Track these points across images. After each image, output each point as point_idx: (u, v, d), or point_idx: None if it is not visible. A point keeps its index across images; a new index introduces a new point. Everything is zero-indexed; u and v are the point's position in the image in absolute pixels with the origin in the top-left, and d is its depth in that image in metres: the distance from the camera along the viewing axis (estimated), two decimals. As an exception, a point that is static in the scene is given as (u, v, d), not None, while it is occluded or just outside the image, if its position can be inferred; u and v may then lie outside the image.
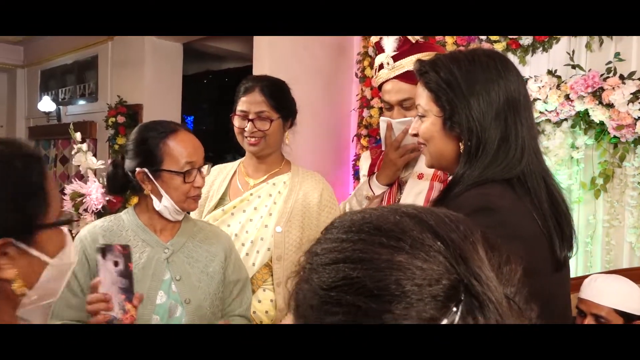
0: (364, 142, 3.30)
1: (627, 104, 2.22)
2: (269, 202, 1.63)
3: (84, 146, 2.23)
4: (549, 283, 0.95)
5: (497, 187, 0.94)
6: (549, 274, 0.95)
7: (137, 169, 1.30)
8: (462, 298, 0.43)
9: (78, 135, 2.22)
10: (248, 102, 1.60)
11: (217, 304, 1.39)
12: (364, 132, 3.32)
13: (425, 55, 1.48)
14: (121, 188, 1.39)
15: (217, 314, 1.40)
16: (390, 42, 1.48)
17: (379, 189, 1.52)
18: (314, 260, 0.49)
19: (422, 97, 1.05)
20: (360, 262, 0.45)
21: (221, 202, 1.67)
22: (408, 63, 1.45)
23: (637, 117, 2.21)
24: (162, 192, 1.30)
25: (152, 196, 1.32)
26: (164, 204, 1.31)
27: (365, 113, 3.31)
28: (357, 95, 3.43)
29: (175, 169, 1.29)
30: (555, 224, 0.95)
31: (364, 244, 0.47)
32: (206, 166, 1.37)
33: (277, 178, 1.67)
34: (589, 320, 1.66)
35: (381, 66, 1.50)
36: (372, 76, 3.20)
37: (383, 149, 1.56)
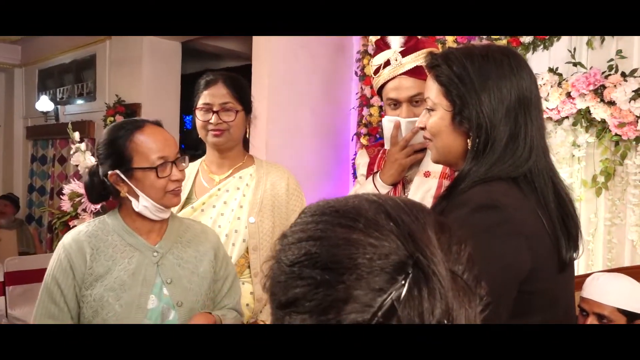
0: (364, 140, 3.29)
1: (629, 102, 2.21)
2: (238, 195, 1.65)
3: (82, 146, 2.22)
4: (553, 282, 0.94)
5: (502, 185, 0.93)
6: (553, 273, 0.94)
7: (109, 172, 1.26)
8: (410, 272, 0.47)
9: (76, 135, 2.20)
10: (211, 95, 1.61)
11: (208, 304, 1.37)
12: (363, 130, 3.30)
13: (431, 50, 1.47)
14: (100, 196, 1.35)
15: None
16: (397, 38, 1.46)
17: (383, 188, 1.50)
18: (283, 241, 0.55)
19: (432, 90, 1.03)
20: (319, 239, 0.51)
21: (188, 201, 1.67)
22: (416, 58, 1.43)
23: (639, 115, 2.20)
24: (138, 191, 1.26)
25: (130, 197, 1.28)
26: (142, 204, 1.27)
27: (365, 112, 3.30)
28: (356, 93, 3.42)
29: (147, 165, 1.25)
30: (561, 224, 0.94)
31: (325, 224, 0.52)
32: (184, 157, 1.33)
33: (243, 171, 1.69)
34: (591, 320, 1.64)
35: (387, 63, 1.48)
36: (371, 75, 3.20)
37: (387, 147, 1.54)
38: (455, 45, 2.81)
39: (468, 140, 0.99)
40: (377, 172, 1.55)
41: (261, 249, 1.61)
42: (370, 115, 3.27)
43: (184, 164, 1.33)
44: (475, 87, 0.97)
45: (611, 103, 2.26)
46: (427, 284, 0.47)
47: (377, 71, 1.52)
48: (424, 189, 1.44)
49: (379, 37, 1.54)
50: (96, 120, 4.88)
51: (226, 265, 1.45)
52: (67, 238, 1.30)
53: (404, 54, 1.46)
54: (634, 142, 2.28)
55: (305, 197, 1.78)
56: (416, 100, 1.46)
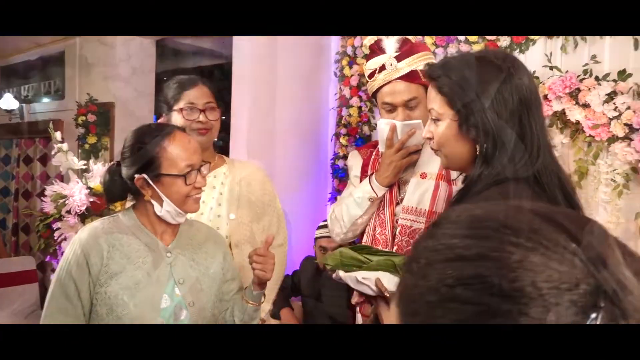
0: (343, 140, 3.32)
1: (602, 104, 2.31)
2: (215, 194, 1.69)
3: (64, 146, 2.17)
4: None
5: (517, 185, 0.96)
6: None
7: (136, 176, 1.27)
8: (602, 305, 0.40)
9: (58, 135, 2.16)
10: (195, 95, 1.66)
11: (218, 304, 1.40)
12: (343, 131, 3.33)
13: (424, 55, 1.50)
14: (120, 195, 1.36)
15: (217, 314, 1.41)
16: (391, 43, 1.49)
17: (380, 190, 1.53)
18: (431, 256, 0.47)
19: (435, 101, 1.05)
20: (490, 260, 0.43)
21: None
22: (411, 62, 1.46)
23: (611, 117, 2.30)
24: (163, 197, 1.28)
25: (153, 201, 1.30)
26: (165, 209, 1.29)
27: (344, 112, 3.33)
28: (335, 94, 3.44)
29: (175, 172, 1.27)
30: None
31: (491, 242, 0.44)
32: (206, 165, 1.35)
33: (216, 171, 1.74)
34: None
35: (382, 68, 1.50)
36: (352, 75, 3.22)
37: (381, 150, 1.57)
38: (434, 49, 2.87)
39: (477, 146, 1.02)
40: (372, 173, 1.58)
41: (242, 243, 1.65)
42: (350, 115, 3.30)
43: (205, 171, 1.34)
44: (477, 93, 0.99)
45: (586, 105, 2.36)
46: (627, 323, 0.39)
47: (371, 75, 1.54)
48: (420, 191, 1.48)
49: (373, 42, 1.56)
50: (65, 119, 4.73)
51: (233, 268, 1.48)
52: (83, 233, 1.30)
53: (399, 58, 1.48)
54: (605, 143, 2.38)
55: (284, 196, 1.84)
56: (411, 105, 1.49)
